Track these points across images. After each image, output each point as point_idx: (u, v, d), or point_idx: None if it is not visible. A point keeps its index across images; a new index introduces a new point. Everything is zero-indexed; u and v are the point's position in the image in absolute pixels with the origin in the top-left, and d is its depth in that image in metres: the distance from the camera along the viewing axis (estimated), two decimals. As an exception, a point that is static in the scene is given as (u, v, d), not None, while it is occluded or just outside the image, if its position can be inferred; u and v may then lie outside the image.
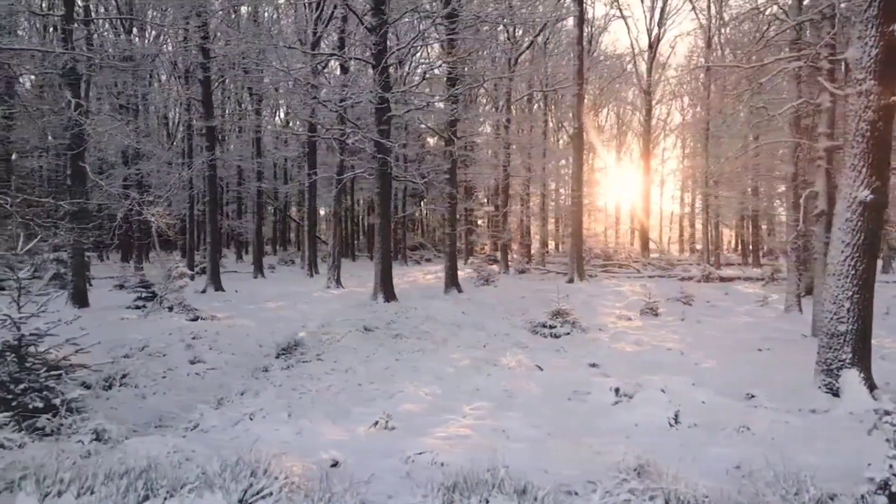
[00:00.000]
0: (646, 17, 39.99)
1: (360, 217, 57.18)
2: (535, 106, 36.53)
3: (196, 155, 24.04)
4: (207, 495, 4.04)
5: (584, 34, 33.50)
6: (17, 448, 4.92)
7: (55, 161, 30.96)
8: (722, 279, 26.80)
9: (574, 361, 9.01)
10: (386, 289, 15.96)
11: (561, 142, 40.86)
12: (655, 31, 39.61)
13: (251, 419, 6.01)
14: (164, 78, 29.27)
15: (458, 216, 26.53)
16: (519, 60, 30.25)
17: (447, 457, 4.63)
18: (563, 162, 38.56)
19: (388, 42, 15.89)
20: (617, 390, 6.39)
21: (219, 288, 21.13)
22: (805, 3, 13.20)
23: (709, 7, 33.53)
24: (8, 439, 4.92)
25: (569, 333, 11.65)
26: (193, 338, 11.07)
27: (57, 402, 5.62)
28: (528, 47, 31.09)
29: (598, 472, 4.16)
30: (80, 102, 15.91)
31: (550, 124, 38.44)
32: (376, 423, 5.65)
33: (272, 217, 54.62)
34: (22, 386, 5.52)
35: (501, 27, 25.71)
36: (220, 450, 5.12)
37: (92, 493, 4.08)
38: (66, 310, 15.52)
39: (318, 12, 21.34)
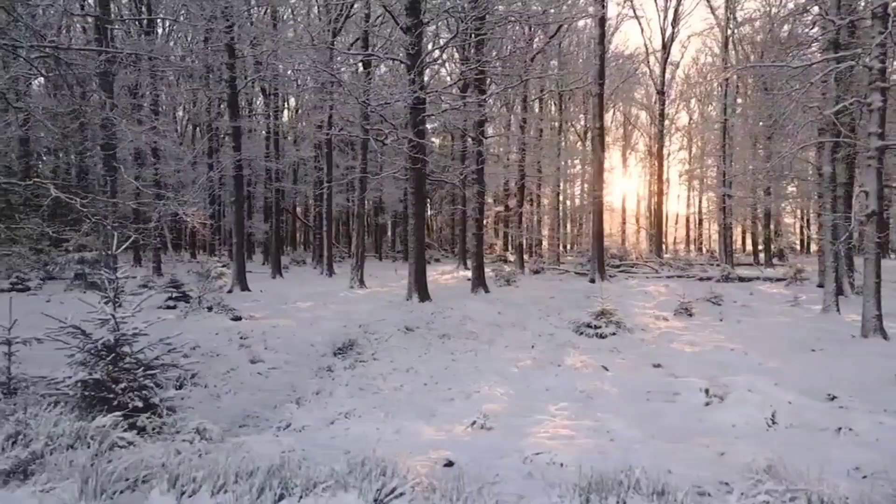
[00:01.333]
0: (659, 16, 39.94)
1: (366, 218, 57.16)
2: (551, 106, 36.52)
3: (221, 155, 24.02)
4: (341, 494, 4.05)
5: (582, 33, 33.59)
6: (130, 447, 4.93)
7: (65, 160, 31.05)
8: (741, 279, 26.79)
9: (635, 362, 9.02)
10: (420, 289, 15.98)
11: (566, 142, 40.81)
12: (669, 31, 39.60)
13: (346, 418, 6.01)
14: (173, 78, 29.28)
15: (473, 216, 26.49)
16: (534, 60, 30.30)
17: (563, 457, 4.64)
18: (569, 162, 38.51)
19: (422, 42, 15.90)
20: (707, 391, 6.40)
21: (245, 288, 21.13)
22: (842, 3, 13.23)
23: (726, 7, 33.52)
24: (121, 438, 4.93)
25: (615, 334, 11.65)
26: (242, 338, 11.07)
27: (156, 400, 5.63)
28: (544, 46, 31.15)
29: (728, 473, 4.17)
30: (115, 103, 15.96)
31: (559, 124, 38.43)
32: (474, 422, 5.66)
33: (282, 217, 54.63)
34: (122, 385, 5.53)
35: (518, 27, 25.77)
36: (326, 449, 5.13)
37: (225, 491, 4.09)
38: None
39: (342, 12, 21.34)
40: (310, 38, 17.87)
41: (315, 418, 6.21)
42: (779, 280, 25.73)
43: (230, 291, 21.08)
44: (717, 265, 32.89)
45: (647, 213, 54.06)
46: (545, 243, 42.57)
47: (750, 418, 5.65)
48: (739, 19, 34.93)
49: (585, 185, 38.39)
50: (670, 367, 8.49)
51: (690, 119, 52.16)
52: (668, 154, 54.30)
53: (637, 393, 7.01)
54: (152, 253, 25.60)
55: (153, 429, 5.39)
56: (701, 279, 27.61)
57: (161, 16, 20.57)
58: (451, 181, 20.41)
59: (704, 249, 54.47)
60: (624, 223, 56.32)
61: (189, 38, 30.84)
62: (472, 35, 16.17)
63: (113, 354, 5.66)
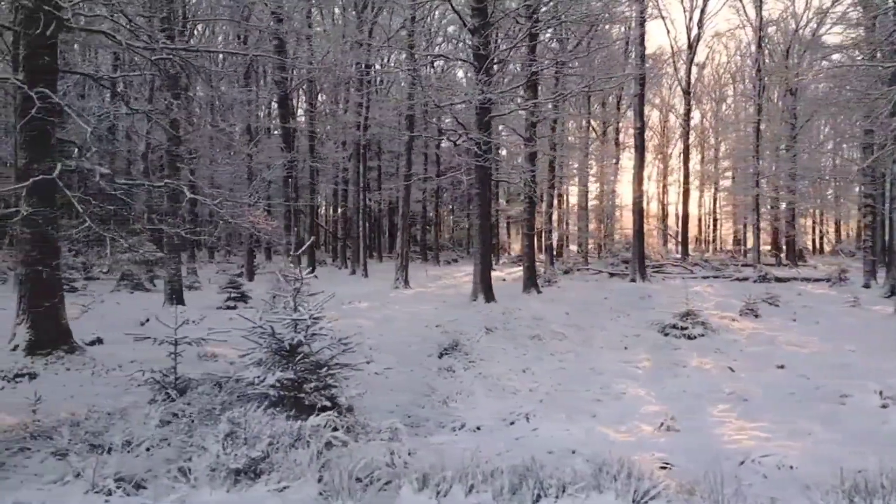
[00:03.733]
0: (685, 16, 39.72)
1: (375, 218, 57.14)
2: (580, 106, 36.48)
3: (261, 155, 24.05)
4: (595, 495, 4.07)
5: (620, 33, 33.57)
6: (343, 446, 4.96)
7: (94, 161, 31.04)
8: (777, 280, 26.76)
9: (753, 363, 9.05)
10: (486, 289, 16.03)
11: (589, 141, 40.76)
12: (695, 31, 39.58)
13: (527, 419, 6.03)
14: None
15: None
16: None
17: (790, 460, 4.65)
18: (590, 161, 38.42)
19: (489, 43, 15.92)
20: (881, 393, 6.44)
21: (295, 288, 21.18)
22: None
23: (759, 7, 33.57)
24: (333, 437, 4.96)
25: (703, 335, 11.67)
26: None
27: (342, 400, 5.66)
28: (575, 46, 31.19)
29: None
30: (181, 104, 15.99)
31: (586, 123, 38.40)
32: (661, 424, 5.69)
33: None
34: (312, 385, 5.56)
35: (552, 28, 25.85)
36: (524, 449, 5.15)
37: (478, 491, 4.11)
38: (166, 309, 15.63)
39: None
40: (387, 40, 17.85)
41: (480, 417, 6.23)
42: (817, 280, 25.69)
43: (278, 292, 21.14)
44: (745, 266, 32.91)
45: (658, 214, 54.03)
46: (572, 245, 42.58)
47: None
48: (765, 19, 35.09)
49: (604, 185, 38.43)
50: (794, 368, 8.51)
51: (703, 119, 52.23)
52: (679, 154, 54.29)
53: (782, 394, 7.04)
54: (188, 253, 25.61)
55: (345, 428, 5.42)
56: (737, 279, 27.61)
57: (229, 18, 20.49)
58: (514, 182, 20.41)
59: (719, 249, 54.38)
60: (645, 223, 56.15)
61: (222, 39, 30.85)
62: (534, 36, 16.23)
63: (300, 355, 5.69)
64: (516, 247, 50.47)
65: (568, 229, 40.80)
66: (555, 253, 36.15)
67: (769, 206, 36.58)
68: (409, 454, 4.93)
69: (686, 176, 41.52)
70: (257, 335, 5.86)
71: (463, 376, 8.55)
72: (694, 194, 58.20)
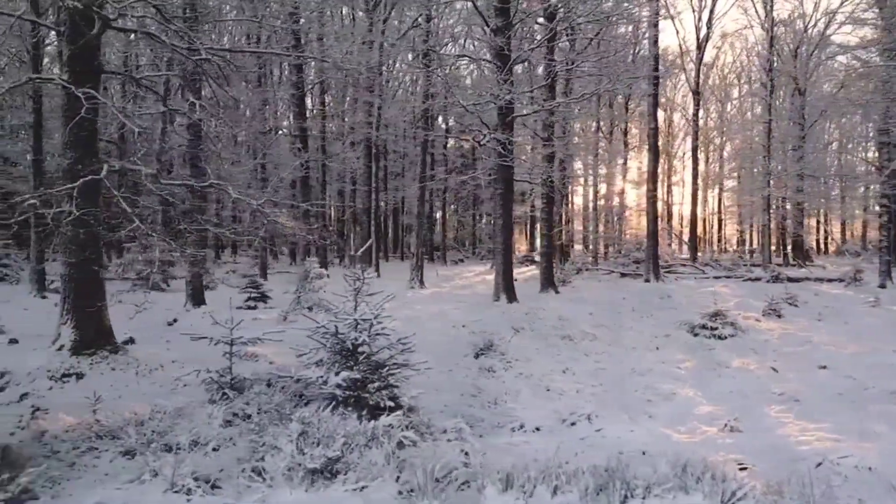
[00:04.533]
0: (694, 16, 39.75)
1: (383, 218, 57.11)
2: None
3: (277, 157, 24.06)
4: (682, 497, 4.07)
5: (625, 33, 33.57)
6: (413, 446, 4.96)
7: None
8: (789, 280, 26.73)
9: (793, 363, 9.05)
10: (508, 289, 16.04)
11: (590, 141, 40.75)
12: (704, 31, 39.58)
13: (590, 420, 6.03)
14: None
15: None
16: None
17: (868, 461, 4.65)
18: (595, 161, 38.41)
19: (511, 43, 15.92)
20: None
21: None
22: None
23: (770, 7, 33.59)
24: (405, 437, 4.96)
25: (734, 335, 11.67)
26: (366, 338, 11.10)
27: (405, 400, 5.67)
28: (585, 47, 31.21)
29: None
30: (203, 104, 15.98)
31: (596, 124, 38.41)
32: (725, 425, 5.70)
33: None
34: (375, 385, 5.56)
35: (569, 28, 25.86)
36: (594, 449, 5.16)
37: (563, 492, 4.11)
38: (188, 309, 15.64)
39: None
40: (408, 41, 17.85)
41: (535, 418, 6.24)
42: (830, 280, 25.65)
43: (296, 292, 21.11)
44: (753, 266, 32.94)
45: (663, 214, 54.06)
46: (576, 245, 42.50)
47: None
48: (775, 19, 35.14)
49: (610, 186, 38.44)
50: (836, 368, 8.52)
51: (708, 119, 52.22)
52: (684, 154, 54.29)
53: (836, 395, 7.05)
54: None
55: (412, 428, 5.42)
56: (749, 280, 27.61)
57: (251, 18, 20.41)
58: (535, 182, 20.43)
59: (724, 249, 54.38)
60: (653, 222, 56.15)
61: (227, 40, 30.79)
62: (553, 37, 16.22)
63: (362, 355, 5.70)
64: (521, 247, 50.49)
65: (573, 228, 40.77)
66: (565, 253, 36.13)
67: (775, 207, 36.61)
68: (483, 454, 4.93)
69: (695, 176, 41.49)
70: (320, 335, 5.85)
71: (504, 376, 8.56)
72: (698, 195, 58.26)
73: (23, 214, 7.19)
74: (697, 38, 39.83)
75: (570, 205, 40.43)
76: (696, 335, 12.04)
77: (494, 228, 16.69)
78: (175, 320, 13.21)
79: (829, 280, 25.83)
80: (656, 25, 25.53)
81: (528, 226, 50.65)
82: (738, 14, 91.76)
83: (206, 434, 5.40)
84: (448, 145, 48.55)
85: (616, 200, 38.74)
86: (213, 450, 5.26)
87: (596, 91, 18.41)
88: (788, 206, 36.47)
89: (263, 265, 20.73)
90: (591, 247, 37.96)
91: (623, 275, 30.31)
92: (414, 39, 24.67)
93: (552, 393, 7.51)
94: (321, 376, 5.61)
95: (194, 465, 4.83)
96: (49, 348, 8.01)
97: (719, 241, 59.50)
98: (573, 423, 5.97)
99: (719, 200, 56.06)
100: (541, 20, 16.12)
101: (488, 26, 15.83)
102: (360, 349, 5.75)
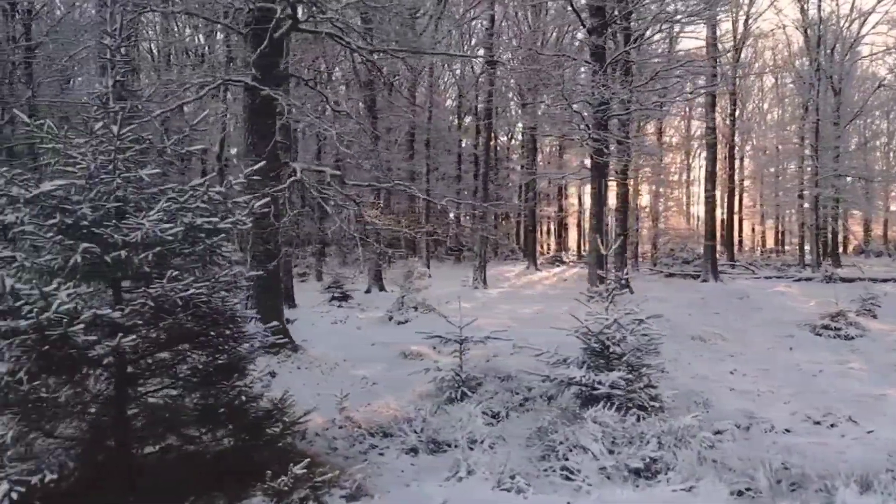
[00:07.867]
0: (731, 15, 39.68)
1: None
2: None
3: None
4: None
5: (649, 33, 33.68)
6: (711, 447, 5.00)
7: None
8: (842, 279, 26.71)
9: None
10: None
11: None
12: (741, 30, 39.57)
13: (853, 421, 6.06)
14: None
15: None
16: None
17: None
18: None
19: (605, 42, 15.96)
20: None
21: (382, 288, 21.19)
22: None
23: (818, 6, 33.66)
24: (705, 437, 5.01)
25: (863, 335, 11.69)
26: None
27: (665, 399, 5.72)
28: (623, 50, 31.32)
29: None
30: (296, 104, 16.04)
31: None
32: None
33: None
34: (640, 384, 5.62)
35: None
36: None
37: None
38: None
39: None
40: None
41: (772, 419, 6.24)
42: (885, 280, 25.58)
43: (368, 291, 21.11)
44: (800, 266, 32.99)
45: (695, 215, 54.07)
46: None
47: None
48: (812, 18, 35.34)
49: (655, 185, 38.49)
50: None
51: (726, 118, 52.29)
52: (700, 154, 54.16)
53: None
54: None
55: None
56: (801, 280, 27.69)
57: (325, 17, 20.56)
58: (625, 181, 20.50)
59: (763, 249, 54.37)
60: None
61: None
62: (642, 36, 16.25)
63: (616, 355, 5.74)
64: (551, 247, 50.54)
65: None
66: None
67: (812, 206, 36.65)
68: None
69: (731, 176, 41.49)
70: (576, 335, 5.90)
71: (677, 376, 8.57)
72: (721, 195, 58.24)
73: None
74: (734, 40, 39.84)
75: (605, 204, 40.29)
76: (818, 335, 12.07)
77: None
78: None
79: (885, 280, 25.81)
80: (714, 27, 25.59)
81: (557, 226, 50.61)
82: (772, 13, 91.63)
83: (479, 432, 5.44)
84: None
85: (659, 199, 38.84)
86: (490, 447, 5.30)
87: (682, 92, 18.47)
88: (829, 207, 36.53)
89: (378, 271, 20.64)
90: (637, 247, 37.96)
91: (670, 275, 30.32)
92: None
93: (745, 394, 7.53)
94: (584, 376, 5.65)
95: (489, 463, 4.87)
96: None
97: (740, 242, 59.44)
98: (832, 425, 5.98)
99: (740, 200, 56.07)
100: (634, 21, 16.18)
101: (584, 26, 15.89)
102: (612, 349, 5.80)
